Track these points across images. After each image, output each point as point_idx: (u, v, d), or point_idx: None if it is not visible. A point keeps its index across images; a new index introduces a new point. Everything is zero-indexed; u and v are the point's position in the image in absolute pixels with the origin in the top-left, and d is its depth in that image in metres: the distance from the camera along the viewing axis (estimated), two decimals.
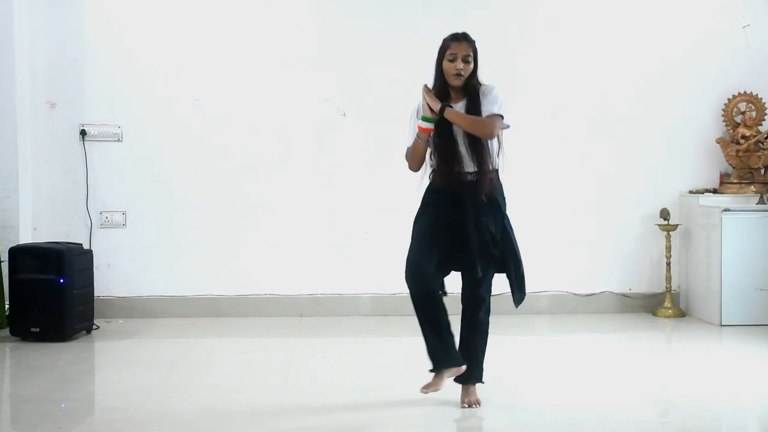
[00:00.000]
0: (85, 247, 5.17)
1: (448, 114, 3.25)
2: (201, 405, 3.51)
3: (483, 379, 3.48)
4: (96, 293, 5.10)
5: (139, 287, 5.47)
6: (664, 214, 5.58)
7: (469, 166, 3.31)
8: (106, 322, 5.24)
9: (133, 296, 5.46)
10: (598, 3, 5.70)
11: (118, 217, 5.48)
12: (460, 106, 3.31)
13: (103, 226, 5.46)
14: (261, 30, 5.52)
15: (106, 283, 5.39)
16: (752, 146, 5.59)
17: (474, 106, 3.30)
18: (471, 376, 3.43)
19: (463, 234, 3.28)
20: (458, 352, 3.38)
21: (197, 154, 5.49)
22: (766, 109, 5.71)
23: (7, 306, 4.85)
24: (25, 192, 5.26)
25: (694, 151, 5.76)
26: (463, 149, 3.29)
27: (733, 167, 5.66)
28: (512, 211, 5.58)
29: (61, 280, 4.69)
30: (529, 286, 5.60)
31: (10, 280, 4.76)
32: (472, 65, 3.31)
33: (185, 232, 5.50)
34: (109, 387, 3.96)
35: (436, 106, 3.24)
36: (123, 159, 5.46)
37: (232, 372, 4.14)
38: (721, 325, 5.20)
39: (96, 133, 5.44)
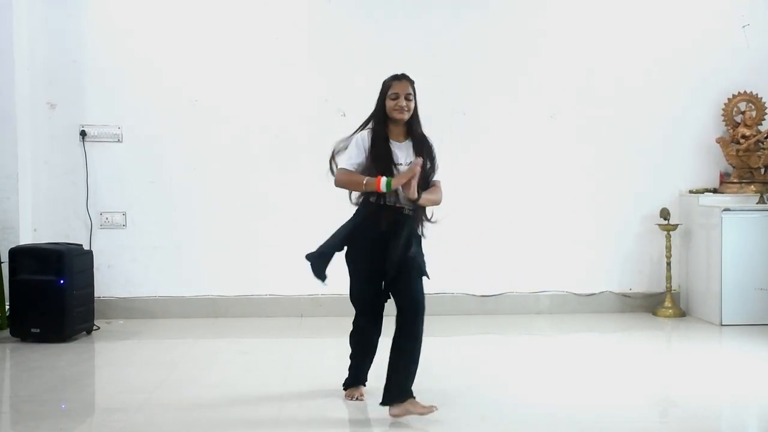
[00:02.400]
0: (86, 247, 5.17)
1: (421, 201, 3.33)
2: (202, 405, 3.52)
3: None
4: (96, 294, 5.10)
5: (139, 288, 5.47)
6: (664, 213, 5.58)
7: (407, 205, 3.37)
8: (106, 322, 5.24)
9: (134, 297, 5.46)
10: (597, 4, 5.70)
11: (118, 218, 5.48)
12: (405, 146, 3.41)
13: (103, 226, 5.46)
14: (260, 30, 5.52)
15: (107, 283, 5.39)
16: (752, 146, 5.59)
17: (422, 153, 3.39)
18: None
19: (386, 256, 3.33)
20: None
21: (197, 155, 5.50)
22: (766, 108, 5.71)
23: (7, 307, 4.85)
24: (25, 193, 5.26)
25: (693, 150, 5.76)
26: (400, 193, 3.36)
27: (733, 167, 5.66)
28: (512, 212, 5.65)
29: (62, 281, 4.69)
30: (530, 286, 5.71)
31: (10, 281, 4.77)
32: (413, 103, 3.43)
33: (185, 232, 5.50)
34: (109, 387, 3.96)
35: (414, 196, 3.26)
36: (123, 160, 5.46)
37: (232, 372, 4.14)
38: (722, 325, 5.20)
39: (96, 133, 5.44)
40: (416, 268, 3.35)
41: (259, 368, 4.20)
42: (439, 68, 5.57)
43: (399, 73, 3.48)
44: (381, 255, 3.33)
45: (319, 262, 3.44)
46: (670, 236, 5.58)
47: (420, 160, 3.30)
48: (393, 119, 3.42)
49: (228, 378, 4.02)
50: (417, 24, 5.57)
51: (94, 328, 5.00)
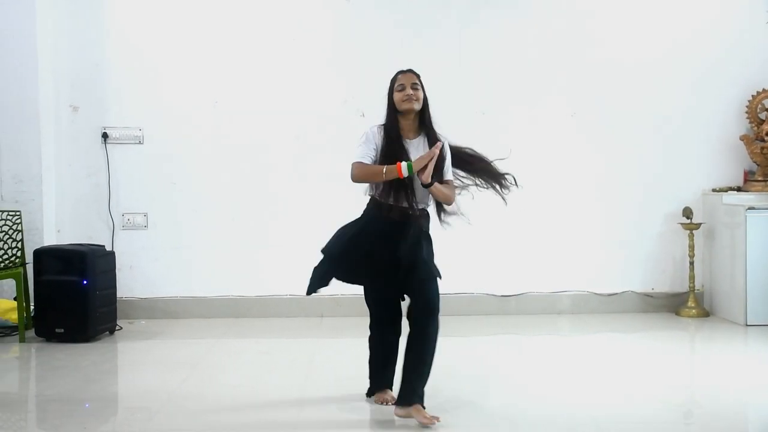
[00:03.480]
0: (108, 248, 5.22)
1: (433, 188, 3.27)
2: (223, 405, 3.53)
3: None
4: (118, 294, 5.15)
5: (160, 288, 5.51)
6: (687, 212, 5.52)
7: (417, 205, 3.36)
8: (128, 322, 5.29)
9: (155, 297, 5.51)
10: (618, 1, 5.66)
11: (139, 219, 5.52)
12: (416, 143, 3.39)
13: (124, 227, 5.51)
14: (279, 32, 5.54)
15: (129, 284, 5.44)
16: None
17: (432, 142, 3.36)
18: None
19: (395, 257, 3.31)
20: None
21: (217, 156, 5.53)
22: None
23: (32, 307, 4.91)
24: (49, 195, 5.32)
25: (717, 148, 5.69)
26: (414, 189, 3.35)
27: (758, 164, 5.59)
28: (533, 211, 5.62)
29: (85, 282, 4.74)
30: (551, 285, 5.67)
31: (35, 281, 4.83)
32: (421, 92, 3.40)
33: (206, 233, 5.53)
34: (132, 387, 4.00)
35: (428, 179, 3.21)
36: (144, 161, 5.51)
37: (252, 372, 4.16)
38: (747, 325, 5.13)
39: (117, 136, 5.49)
40: (428, 270, 3.30)
41: (280, 368, 4.21)
42: (458, 68, 5.56)
43: (404, 69, 3.46)
44: (389, 251, 3.27)
45: (319, 281, 3.45)
46: (693, 235, 5.52)
47: (440, 144, 3.26)
48: (403, 111, 3.38)
49: (249, 378, 4.03)
50: (436, 23, 5.56)
51: (117, 328, 5.05)
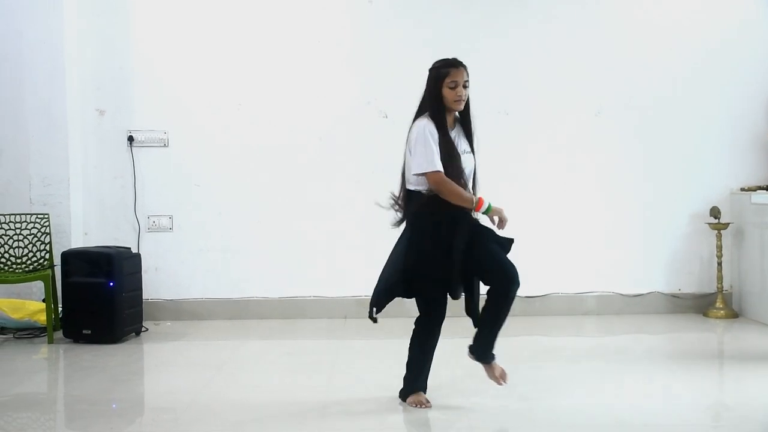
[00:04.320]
0: (134, 250, 5.28)
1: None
2: (247, 406, 3.55)
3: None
4: (144, 296, 5.19)
5: (186, 290, 5.56)
6: (715, 212, 5.44)
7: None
8: (154, 324, 5.34)
9: (180, 299, 5.55)
10: (645, 0, 5.61)
11: (165, 221, 5.57)
12: (456, 131, 3.41)
13: (150, 230, 5.56)
14: (302, 34, 5.56)
15: (154, 286, 5.49)
16: None
17: (469, 136, 3.44)
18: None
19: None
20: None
21: (241, 158, 5.56)
22: None
23: (60, 309, 4.97)
24: (76, 198, 5.39)
25: (745, 147, 5.61)
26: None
27: None
28: (558, 211, 5.58)
29: (111, 284, 4.79)
30: (576, 286, 5.62)
31: (63, 283, 4.89)
32: (468, 90, 3.38)
33: (230, 235, 5.57)
34: (158, 388, 4.03)
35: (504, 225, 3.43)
36: (169, 164, 5.56)
37: (277, 373, 4.18)
38: None
39: (143, 139, 5.54)
40: (497, 240, 3.34)
41: (304, 370, 4.22)
42: (482, 68, 5.50)
43: (451, 58, 3.40)
44: (448, 242, 3.27)
45: (382, 299, 3.45)
46: (721, 235, 5.44)
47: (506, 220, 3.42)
48: (451, 109, 3.35)
49: (273, 379, 4.05)
50: (458, 23, 5.54)
51: (143, 329, 5.09)
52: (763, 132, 5.59)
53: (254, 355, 4.63)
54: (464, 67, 3.37)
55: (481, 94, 5.45)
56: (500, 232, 3.44)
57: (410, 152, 3.36)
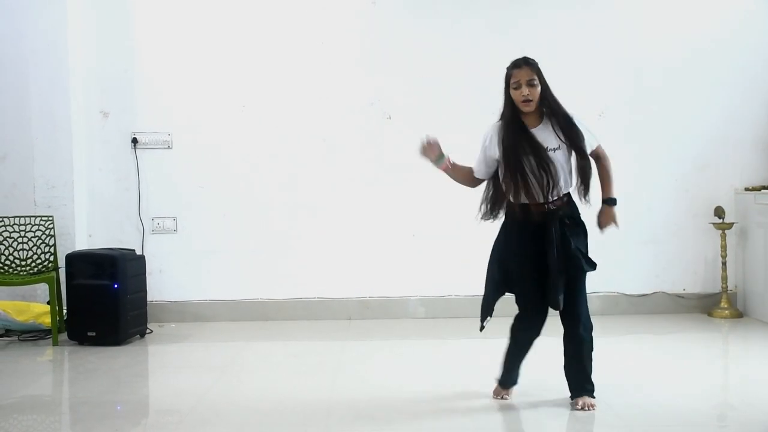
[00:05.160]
0: (138, 252, 5.29)
1: (612, 206, 3.50)
2: (252, 407, 3.55)
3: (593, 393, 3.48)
4: (149, 298, 5.20)
5: (190, 292, 5.56)
6: (719, 212, 5.43)
7: (552, 195, 3.32)
8: (158, 326, 5.35)
9: (185, 300, 5.56)
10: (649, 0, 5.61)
11: (169, 223, 5.58)
12: (541, 129, 3.30)
13: (154, 231, 5.57)
14: (306, 35, 5.56)
15: (159, 287, 5.50)
16: None
17: (558, 130, 3.31)
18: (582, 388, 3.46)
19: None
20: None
21: (245, 160, 5.57)
22: None
23: (64, 311, 4.98)
24: (80, 200, 5.40)
25: (748, 146, 5.60)
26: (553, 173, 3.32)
27: None
28: None
29: (116, 286, 4.79)
30: None
31: (67, 285, 4.90)
32: (538, 88, 3.29)
33: (234, 236, 5.57)
34: (162, 390, 4.04)
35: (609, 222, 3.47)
36: (173, 166, 5.57)
37: (281, 375, 4.18)
38: None
39: (147, 141, 5.55)
40: (579, 266, 3.32)
41: (308, 371, 4.22)
42: (485, 68, 5.52)
43: (518, 58, 3.36)
44: (536, 250, 3.26)
45: (488, 309, 3.44)
46: (725, 235, 5.43)
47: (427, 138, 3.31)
48: (521, 110, 3.29)
49: (277, 380, 4.05)
50: (462, 25, 5.55)
51: (147, 331, 5.10)
52: (766, 131, 5.57)
53: (259, 357, 4.63)
54: (529, 65, 3.30)
55: (483, 95, 5.49)
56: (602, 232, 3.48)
57: None
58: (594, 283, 5.54)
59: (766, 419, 3.33)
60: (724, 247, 5.43)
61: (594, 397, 3.42)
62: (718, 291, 5.51)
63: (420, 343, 4.81)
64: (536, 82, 3.28)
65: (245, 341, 4.99)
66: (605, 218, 3.49)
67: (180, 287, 5.56)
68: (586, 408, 3.38)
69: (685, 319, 5.41)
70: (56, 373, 4.43)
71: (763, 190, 5.43)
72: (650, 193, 5.60)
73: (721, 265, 5.45)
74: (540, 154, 3.24)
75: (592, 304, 5.51)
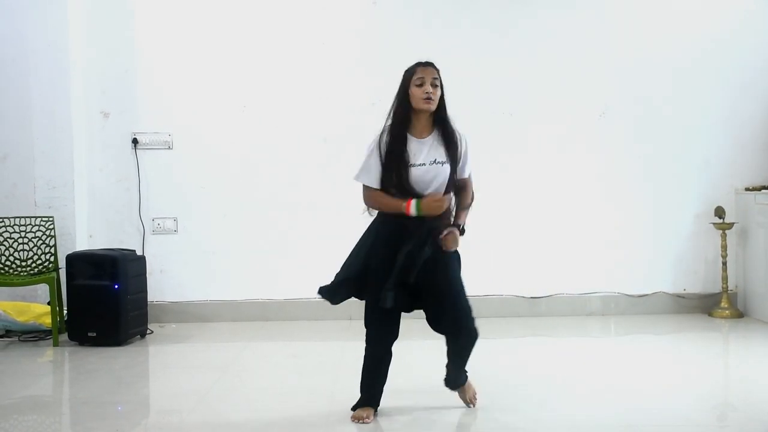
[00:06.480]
0: (139, 253, 5.29)
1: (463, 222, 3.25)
2: (252, 408, 3.56)
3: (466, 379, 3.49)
4: (149, 298, 5.20)
5: (190, 292, 5.57)
6: (719, 212, 5.43)
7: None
8: (159, 326, 5.35)
9: (185, 301, 5.56)
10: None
11: (169, 224, 5.58)
12: (430, 141, 3.20)
13: (155, 232, 5.57)
14: (307, 35, 5.57)
15: (159, 288, 5.50)
16: None
17: (447, 145, 3.19)
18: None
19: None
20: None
21: (246, 160, 5.57)
22: None
23: (65, 311, 4.98)
24: (81, 200, 5.40)
25: (749, 147, 5.60)
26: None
27: None
28: (562, 212, 5.57)
29: (116, 286, 4.79)
30: (580, 287, 5.62)
31: (67, 286, 4.90)
32: (440, 90, 3.20)
33: (235, 237, 5.57)
34: (163, 390, 4.04)
35: (452, 248, 3.17)
36: (174, 166, 5.57)
37: (282, 375, 4.18)
38: None
39: (147, 141, 5.55)
40: (458, 302, 3.18)
41: (309, 371, 4.22)
42: (485, 69, 5.54)
43: (424, 60, 3.25)
44: (394, 250, 3.14)
45: (331, 293, 3.45)
46: (726, 235, 5.43)
47: (451, 197, 3.15)
48: (419, 110, 3.17)
49: (278, 381, 4.05)
50: (463, 24, 5.55)
51: (148, 331, 5.10)
52: (766, 132, 5.57)
53: (259, 357, 4.63)
54: (435, 67, 3.22)
55: (485, 95, 5.51)
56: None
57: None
58: (595, 283, 5.60)
59: (766, 419, 3.34)
60: (724, 247, 5.43)
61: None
62: (718, 291, 5.51)
63: (420, 343, 4.81)
64: (439, 83, 3.19)
65: (246, 342, 5.00)
66: (451, 242, 3.19)
67: (180, 288, 5.56)
68: (472, 404, 3.42)
69: (686, 319, 5.41)
70: (57, 374, 4.44)
71: (763, 190, 5.43)
72: (651, 193, 5.60)
73: (721, 265, 5.45)
74: (404, 170, 3.13)
75: (593, 305, 5.59)
